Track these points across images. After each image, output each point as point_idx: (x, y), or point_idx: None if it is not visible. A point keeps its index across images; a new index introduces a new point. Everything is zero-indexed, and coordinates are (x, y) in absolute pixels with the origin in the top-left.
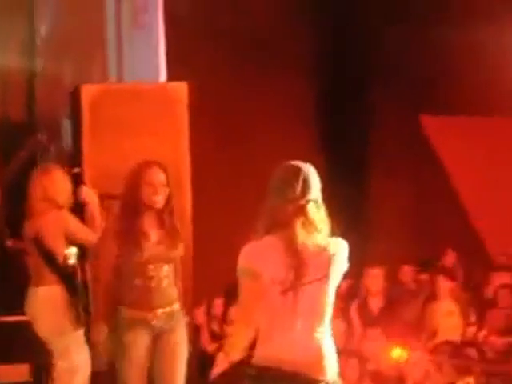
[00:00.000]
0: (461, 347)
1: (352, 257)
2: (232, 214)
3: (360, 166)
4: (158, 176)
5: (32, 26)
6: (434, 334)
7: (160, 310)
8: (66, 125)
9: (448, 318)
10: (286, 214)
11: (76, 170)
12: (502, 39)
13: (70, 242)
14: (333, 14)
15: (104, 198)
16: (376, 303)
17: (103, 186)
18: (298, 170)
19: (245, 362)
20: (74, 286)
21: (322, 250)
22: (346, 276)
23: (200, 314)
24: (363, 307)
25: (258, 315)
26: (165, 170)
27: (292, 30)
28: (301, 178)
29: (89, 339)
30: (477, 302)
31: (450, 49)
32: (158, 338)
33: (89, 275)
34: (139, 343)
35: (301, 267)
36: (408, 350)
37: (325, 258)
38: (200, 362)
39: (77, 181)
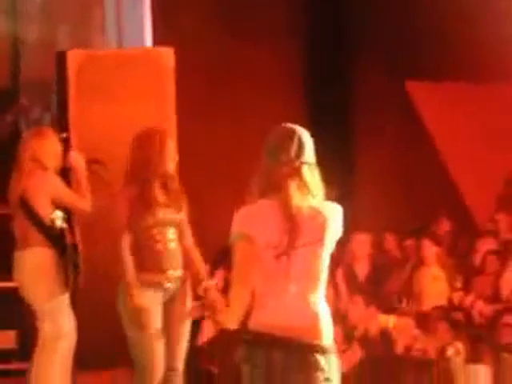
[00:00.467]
0: (448, 312)
1: None
2: (219, 181)
3: (345, 132)
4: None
5: None
6: (420, 299)
7: (170, 272)
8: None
9: (434, 283)
10: (280, 177)
11: (63, 135)
12: (491, 2)
13: (57, 205)
14: None
15: (90, 163)
16: (362, 269)
17: (89, 151)
18: (292, 132)
19: (236, 329)
20: (62, 248)
21: (317, 214)
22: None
23: None
24: (349, 273)
25: (253, 280)
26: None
27: None
28: (295, 141)
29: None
30: (464, 269)
31: (438, 11)
32: (169, 301)
33: (78, 238)
34: (155, 307)
35: (295, 230)
36: (395, 316)
37: (319, 222)
38: None
39: (64, 146)
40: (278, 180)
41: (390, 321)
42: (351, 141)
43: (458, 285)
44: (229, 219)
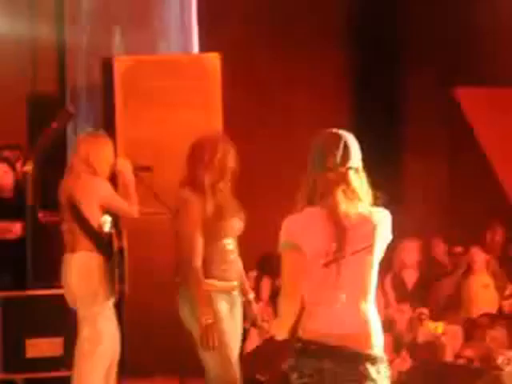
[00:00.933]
0: (498, 320)
1: None
2: (264, 188)
3: (394, 138)
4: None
5: None
6: (470, 306)
7: (236, 283)
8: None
9: (484, 291)
10: (326, 183)
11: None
12: None
13: (105, 210)
14: None
15: (137, 170)
16: (410, 277)
17: (136, 157)
18: (338, 137)
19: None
20: (109, 253)
21: (366, 220)
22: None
23: None
24: (397, 281)
25: (301, 290)
26: None
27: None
28: (341, 145)
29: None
30: None
31: (487, 18)
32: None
33: (125, 243)
34: (226, 314)
35: (344, 238)
36: (443, 324)
37: (369, 229)
38: None
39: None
40: (324, 187)
41: (438, 328)
42: (400, 147)
43: (508, 292)
44: (273, 226)
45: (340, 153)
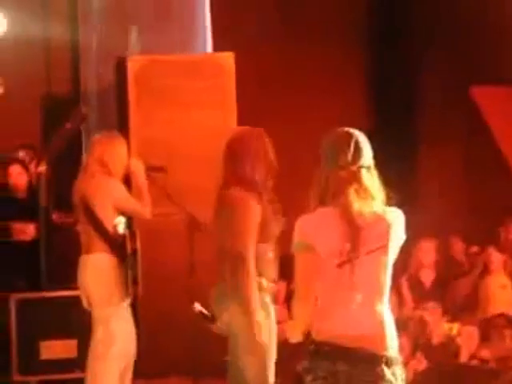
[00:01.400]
0: None
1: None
2: (283, 187)
3: (410, 136)
4: None
5: None
6: (486, 307)
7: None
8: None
9: (501, 291)
10: (338, 182)
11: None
12: None
13: (118, 211)
14: None
15: (150, 170)
16: (428, 277)
17: (149, 157)
18: (349, 135)
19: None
20: (123, 254)
21: (380, 220)
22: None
23: None
24: (414, 281)
25: (315, 292)
26: None
27: None
28: (352, 144)
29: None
30: None
31: (503, 16)
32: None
33: (138, 244)
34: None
35: (357, 238)
36: (459, 324)
37: (383, 228)
38: None
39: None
40: (336, 186)
41: (454, 329)
42: (416, 146)
43: None
44: (288, 228)
45: (351, 151)
